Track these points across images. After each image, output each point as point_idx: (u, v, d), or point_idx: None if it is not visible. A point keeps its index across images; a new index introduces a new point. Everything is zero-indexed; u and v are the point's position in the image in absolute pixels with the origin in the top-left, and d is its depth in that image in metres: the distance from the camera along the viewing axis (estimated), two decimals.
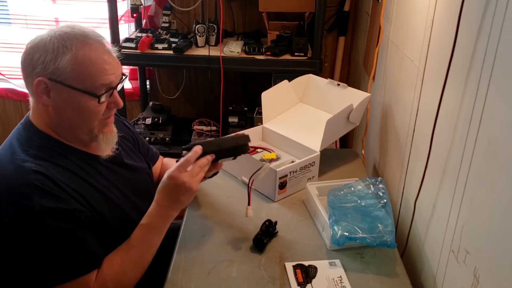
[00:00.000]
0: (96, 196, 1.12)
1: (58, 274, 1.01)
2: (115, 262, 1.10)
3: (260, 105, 1.81)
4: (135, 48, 2.22)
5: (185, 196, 1.14)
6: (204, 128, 2.54)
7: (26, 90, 1.13)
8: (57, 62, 1.03)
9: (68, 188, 1.05)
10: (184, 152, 1.18)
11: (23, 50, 1.09)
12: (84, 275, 1.04)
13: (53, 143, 1.12)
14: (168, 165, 1.52)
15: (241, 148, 1.25)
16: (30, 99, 1.13)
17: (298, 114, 1.81)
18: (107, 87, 1.08)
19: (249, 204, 1.28)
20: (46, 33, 1.07)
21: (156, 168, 1.50)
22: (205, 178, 1.22)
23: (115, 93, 1.12)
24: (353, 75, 2.63)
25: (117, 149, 1.22)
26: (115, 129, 1.20)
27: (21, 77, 1.10)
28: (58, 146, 1.12)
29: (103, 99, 1.09)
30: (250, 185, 1.28)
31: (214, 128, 2.53)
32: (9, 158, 1.06)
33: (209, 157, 1.16)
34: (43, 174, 1.02)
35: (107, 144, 1.16)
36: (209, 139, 1.22)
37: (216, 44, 2.32)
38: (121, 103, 1.14)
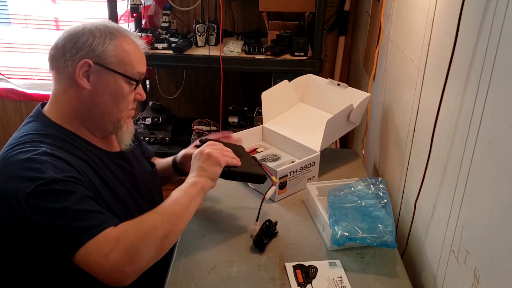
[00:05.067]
0: (105, 190, 1.13)
1: (79, 232, 0.98)
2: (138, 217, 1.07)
3: (260, 105, 1.81)
4: None
5: (207, 162, 1.18)
6: (204, 128, 2.54)
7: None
8: (105, 45, 1.11)
9: (82, 172, 1.07)
10: (199, 142, 1.30)
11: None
12: (105, 228, 1.00)
13: (68, 135, 1.14)
14: (157, 164, 1.53)
15: (257, 178, 1.29)
16: (56, 87, 1.15)
17: (298, 114, 1.81)
18: (140, 76, 1.18)
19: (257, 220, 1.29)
20: (85, 24, 1.15)
21: None
22: None
23: (140, 85, 1.21)
24: (353, 75, 2.63)
25: (133, 143, 1.25)
26: (133, 122, 1.25)
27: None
28: (72, 138, 1.14)
29: (137, 86, 1.18)
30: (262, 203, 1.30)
31: (214, 128, 2.53)
32: (24, 144, 1.07)
33: (236, 160, 1.24)
34: (57, 157, 1.04)
35: (128, 135, 1.22)
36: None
37: (216, 44, 2.32)
38: (145, 96, 1.23)
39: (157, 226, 1.04)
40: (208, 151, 1.20)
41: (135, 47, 1.17)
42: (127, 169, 1.25)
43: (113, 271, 0.98)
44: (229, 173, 1.22)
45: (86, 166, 1.12)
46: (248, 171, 1.28)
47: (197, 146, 1.30)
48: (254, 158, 1.36)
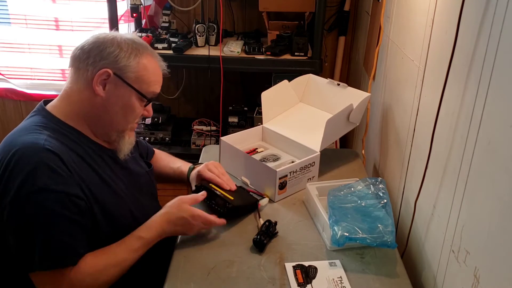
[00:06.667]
0: (101, 186, 1.16)
1: (40, 259, 1.03)
2: (98, 260, 1.12)
3: (260, 105, 1.81)
4: None
5: (182, 231, 1.24)
6: (204, 128, 2.54)
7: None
8: (129, 60, 1.15)
9: (75, 172, 1.09)
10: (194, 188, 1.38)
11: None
12: (64, 267, 1.06)
13: (69, 130, 1.16)
14: (159, 158, 1.56)
15: (251, 207, 1.40)
16: (71, 86, 1.18)
17: (298, 114, 1.81)
18: (153, 95, 1.22)
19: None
20: (116, 34, 1.19)
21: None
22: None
23: (150, 104, 1.26)
24: (353, 75, 2.63)
25: (132, 152, 1.29)
26: (134, 134, 1.30)
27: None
28: (73, 133, 1.16)
29: (147, 104, 1.23)
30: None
31: (214, 128, 2.53)
32: (23, 136, 1.10)
33: (219, 221, 1.27)
34: (54, 153, 1.07)
35: (129, 145, 1.25)
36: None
37: (216, 44, 2.32)
38: (152, 114, 1.27)
39: (112, 279, 1.13)
40: (191, 227, 1.22)
41: (156, 68, 1.22)
42: (124, 165, 1.27)
43: None
44: (231, 209, 1.30)
45: (83, 163, 1.14)
46: (245, 203, 1.37)
47: (195, 187, 1.38)
48: (241, 188, 1.46)
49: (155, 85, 1.22)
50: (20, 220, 1.03)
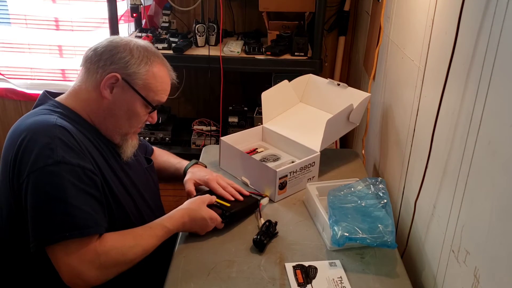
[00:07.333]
0: (109, 171, 1.17)
1: (64, 228, 1.03)
2: (124, 237, 1.13)
3: (260, 105, 1.81)
4: None
5: (197, 230, 1.26)
6: (204, 128, 2.54)
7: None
8: (139, 67, 1.17)
9: (86, 151, 1.11)
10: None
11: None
12: (90, 235, 1.06)
13: (77, 118, 1.18)
14: (158, 155, 1.57)
15: (252, 207, 1.40)
16: (79, 84, 1.20)
17: (298, 114, 1.81)
18: (159, 103, 1.25)
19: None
20: (130, 40, 1.21)
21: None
22: None
23: (156, 111, 1.28)
24: (353, 75, 2.63)
25: (135, 154, 1.30)
26: (137, 138, 1.32)
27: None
28: (82, 121, 1.18)
29: (152, 111, 1.25)
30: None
31: (214, 128, 2.53)
32: (33, 117, 1.12)
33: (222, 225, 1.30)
34: (66, 130, 1.09)
35: (132, 149, 1.27)
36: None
37: (216, 44, 2.32)
38: (156, 120, 1.29)
39: (135, 260, 1.13)
40: (205, 228, 1.26)
41: (165, 77, 1.23)
42: (126, 161, 1.28)
43: (79, 277, 1.04)
44: (230, 216, 1.30)
45: (92, 146, 1.15)
46: (244, 206, 1.36)
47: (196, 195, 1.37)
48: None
49: (162, 94, 1.24)
50: (38, 192, 1.03)
